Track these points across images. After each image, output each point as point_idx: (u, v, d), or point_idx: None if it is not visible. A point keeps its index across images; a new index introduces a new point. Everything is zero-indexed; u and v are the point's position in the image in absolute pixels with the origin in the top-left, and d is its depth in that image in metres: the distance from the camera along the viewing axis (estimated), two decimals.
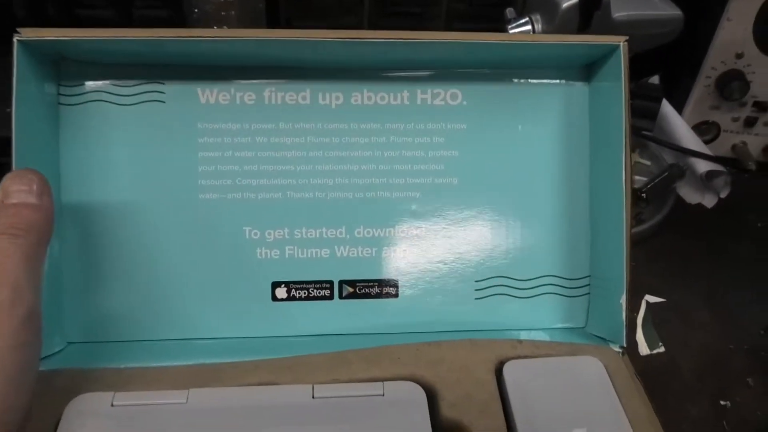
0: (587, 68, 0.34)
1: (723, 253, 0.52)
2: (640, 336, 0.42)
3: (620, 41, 0.31)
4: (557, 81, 0.34)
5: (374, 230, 0.34)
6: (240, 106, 0.33)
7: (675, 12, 0.46)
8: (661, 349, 0.42)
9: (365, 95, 0.34)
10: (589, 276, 0.35)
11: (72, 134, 0.31)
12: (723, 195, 0.54)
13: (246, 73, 0.33)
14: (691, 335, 0.44)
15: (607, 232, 0.33)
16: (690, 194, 0.55)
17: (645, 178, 0.55)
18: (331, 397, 0.28)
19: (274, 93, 0.33)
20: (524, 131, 0.34)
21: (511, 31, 0.46)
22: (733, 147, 0.58)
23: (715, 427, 0.39)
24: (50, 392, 0.28)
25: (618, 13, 0.44)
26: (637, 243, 0.52)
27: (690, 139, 0.54)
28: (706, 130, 0.57)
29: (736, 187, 0.54)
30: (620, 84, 0.31)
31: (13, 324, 0.24)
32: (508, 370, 0.30)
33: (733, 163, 0.56)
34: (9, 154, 0.28)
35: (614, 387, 0.29)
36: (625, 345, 0.32)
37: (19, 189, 0.26)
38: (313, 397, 0.28)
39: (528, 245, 0.35)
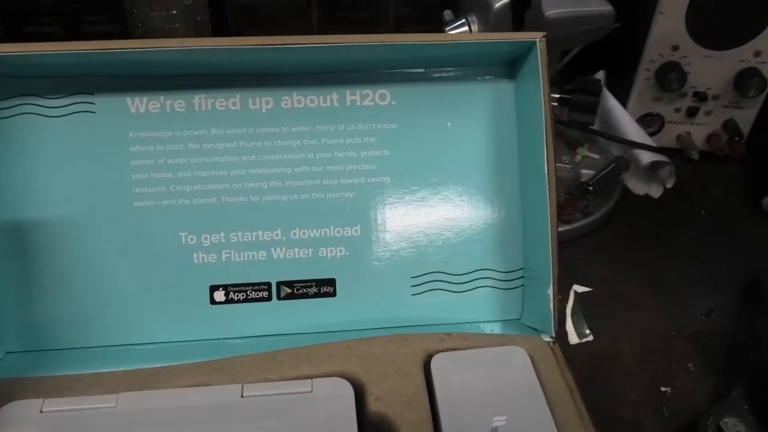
0: (512, 65, 0.35)
1: (669, 241, 0.53)
2: (569, 325, 0.43)
3: (537, 37, 0.32)
4: (484, 78, 0.35)
5: (310, 231, 0.35)
6: (170, 114, 0.33)
7: (606, 8, 0.47)
8: (590, 338, 0.43)
9: (295, 99, 0.34)
10: (523, 268, 0.36)
11: (1, 146, 0.32)
12: (669, 185, 0.55)
13: (175, 82, 0.33)
14: (634, 321, 0.45)
15: (535, 226, 0.34)
16: (637, 186, 0.56)
17: (593, 172, 0.56)
18: (260, 396, 0.28)
19: (204, 100, 0.33)
20: (453, 128, 0.35)
21: (449, 32, 0.47)
22: (678, 137, 0.60)
23: (654, 411, 0.39)
24: None
25: (549, 11, 0.45)
26: (585, 235, 0.53)
27: (634, 132, 0.55)
28: (650, 122, 0.59)
29: (682, 177, 0.55)
30: (538, 80, 0.32)
31: None
32: (435, 362, 0.30)
33: (678, 153, 0.57)
34: None
35: (540, 375, 0.30)
36: (554, 335, 0.33)
37: None
38: (242, 396, 0.28)
39: (462, 240, 0.35)
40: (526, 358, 0.31)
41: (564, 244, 0.51)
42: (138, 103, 0.33)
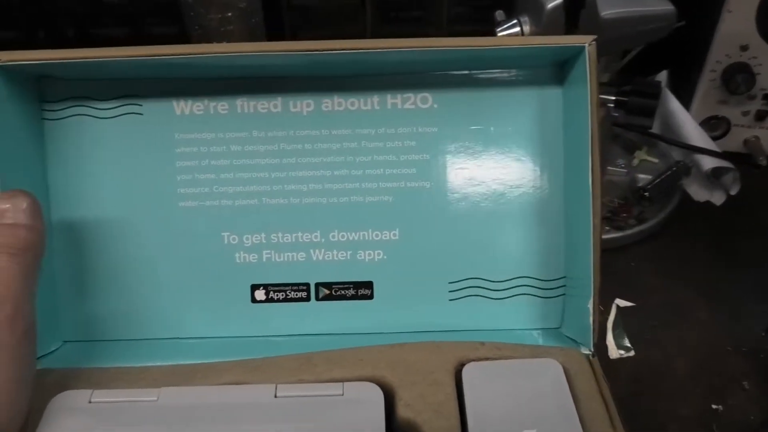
0: (560, 69, 0.34)
1: (729, 251, 0.50)
2: (610, 339, 0.42)
3: (586, 42, 0.31)
4: (530, 83, 0.34)
5: (348, 234, 0.35)
6: (214, 116, 0.34)
7: (666, 7, 0.45)
8: (631, 353, 0.41)
9: (335, 102, 0.34)
10: (565, 277, 0.35)
11: (57, 147, 0.33)
12: (733, 192, 0.53)
13: (219, 85, 0.34)
14: (687, 334, 0.43)
15: (577, 235, 0.33)
16: (698, 192, 0.53)
17: (651, 176, 0.54)
18: (293, 396, 0.29)
19: (246, 102, 0.34)
20: (496, 133, 0.35)
21: (500, 34, 0.46)
22: (745, 142, 0.57)
23: (703, 429, 0.38)
24: (41, 389, 0.30)
25: (605, 12, 0.43)
26: (639, 242, 0.51)
27: (696, 136, 0.53)
28: (715, 125, 0.56)
29: (748, 183, 0.53)
30: (585, 86, 0.31)
31: (14, 338, 0.26)
32: (467, 371, 0.30)
33: (745, 158, 0.55)
34: None
35: (575, 389, 0.29)
36: (592, 348, 0.32)
37: (12, 209, 0.28)
38: (275, 396, 0.29)
39: (502, 247, 0.35)
40: (560, 372, 0.30)
41: (616, 252, 0.50)
42: (183, 105, 0.34)
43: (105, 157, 0.34)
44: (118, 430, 0.28)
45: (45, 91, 0.33)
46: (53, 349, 0.34)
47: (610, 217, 0.51)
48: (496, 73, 0.34)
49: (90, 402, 0.29)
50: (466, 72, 0.34)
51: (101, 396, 0.29)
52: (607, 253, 0.49)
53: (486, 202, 0.35)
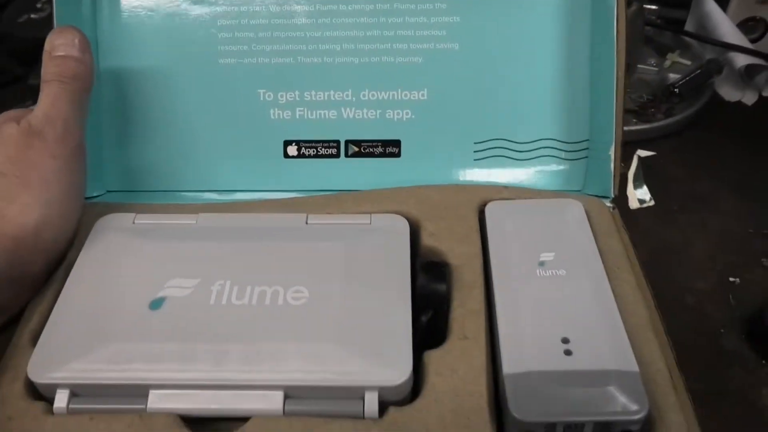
0: None
1: (758, 150, 0.50)
2: (630, 190, 0.42)
3: None
4: None
5: (378, 93, 0.36)
6: None
7: None
8: (651, 203, 0.42)
9: None
10: (588, 140, 0.36)
11: (108, 3, 0.35)
12: (765, 92, 0.52)
13: None
14: (711, 220, 0.44)
15: (601, 92, 0.34)
16: (729, 92, 0.53)
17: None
18: (323, 224, 0.31)
19: None
20: None
21: None
22: None
23: (720, 300, 0.39)
24: (85, 215, 0.32)
25: None
26: (665, 136, 0.51)
27: (732, 35, 0.52)
28: (752, 27, 0.55)
29: None
30: None
31: (66, 151, 0.29)
32: (489, 208, 0.31)
33: None
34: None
35: (594, 227, 0.31)
36: (613, 195, 0.33)
37: (64, 43, 0.31)
38: (306, 223, 0.31)
39: (527, 109, 0.36)
40: (581, 210, 0.31)
41: (642, 144, 0.50)
42: None
43: (152, 13, 0.35)
44: (160, 245, 0.30)
45: None
46: (96, 195, 0.36)
47: (637, 111, 0.51)
48: None
49: (134, 223, 0.31)
50: None
51: (144, 218, 0.32)
52: (633, 144, 0.50)
53: (513, 64, 0.36)
